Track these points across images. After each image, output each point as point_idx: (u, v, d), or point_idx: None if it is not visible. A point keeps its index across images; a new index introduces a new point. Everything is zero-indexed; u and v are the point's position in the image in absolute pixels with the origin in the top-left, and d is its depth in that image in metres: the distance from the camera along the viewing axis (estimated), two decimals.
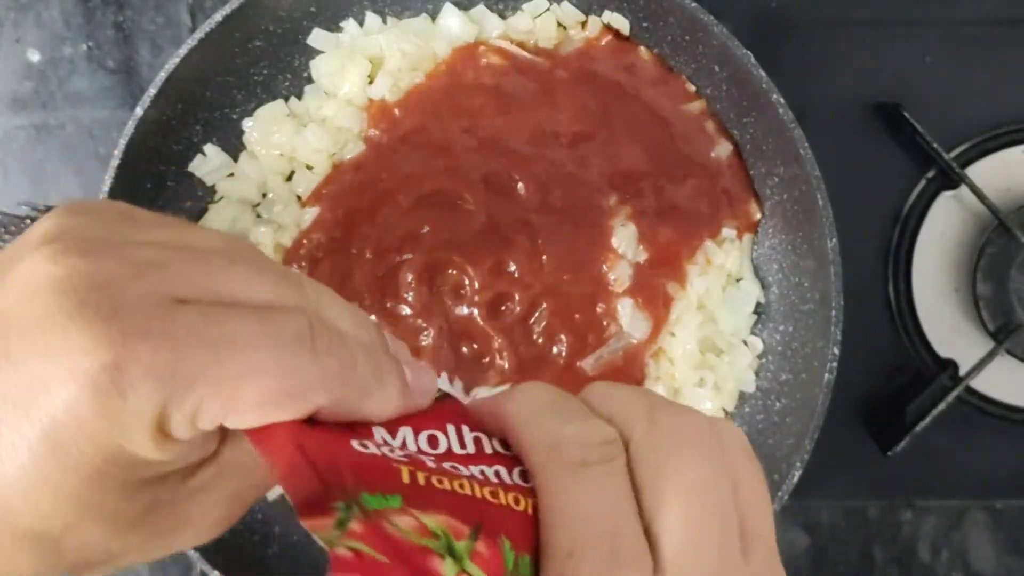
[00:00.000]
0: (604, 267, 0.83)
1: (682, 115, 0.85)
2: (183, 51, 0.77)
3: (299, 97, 0.88)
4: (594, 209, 0.84)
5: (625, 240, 0.83)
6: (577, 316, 0.83)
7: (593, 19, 0.86)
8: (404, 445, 0.37)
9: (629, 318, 0.83)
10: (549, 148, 0.84)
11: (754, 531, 0.36)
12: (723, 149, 0.85)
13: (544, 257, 0.83)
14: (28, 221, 0.92)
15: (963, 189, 0.88)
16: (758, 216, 0.85)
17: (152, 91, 0.77)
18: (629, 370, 0.84)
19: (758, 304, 0.86)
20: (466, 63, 0.85)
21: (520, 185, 0.84)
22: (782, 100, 0.76)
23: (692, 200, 0.84)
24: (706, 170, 0.85)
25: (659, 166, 0.84)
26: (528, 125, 0.84)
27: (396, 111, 0.85)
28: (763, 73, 0.76)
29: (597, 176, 0.84)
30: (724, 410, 0.86)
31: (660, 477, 0.34)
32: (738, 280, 0.86)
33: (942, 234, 0.91)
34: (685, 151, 0.85)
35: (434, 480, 0.34)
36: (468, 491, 0.34)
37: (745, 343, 0.86)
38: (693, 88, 0.85)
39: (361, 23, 0.87)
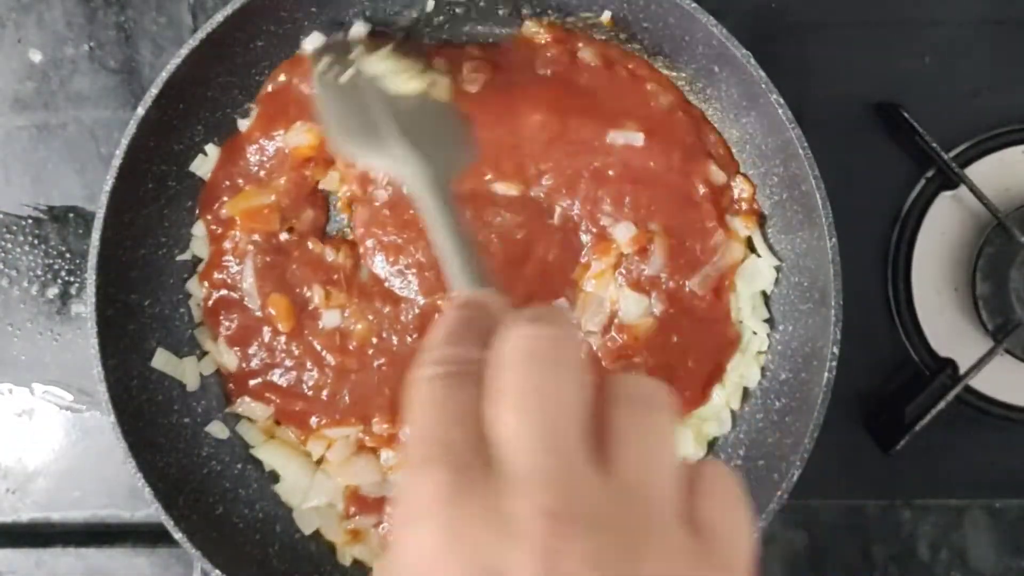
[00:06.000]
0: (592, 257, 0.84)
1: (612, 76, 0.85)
2: (184, 51, 0.77)
3: None
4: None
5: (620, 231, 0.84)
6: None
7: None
8: None
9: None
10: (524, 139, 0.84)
11: (618, 439, 0.37)
12: (664, 99, 0.84)
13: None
14: (30, 220, 0.92)
15: (962, 189, 0.88)
16: (723, 177, 0.84)
17: (153, 91, 0.78)
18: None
19: None
20: None
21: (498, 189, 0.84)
22: (781, 100, 0.76)
23: (652, 152, 0.83)
24: (653, 119, 0.84)
25: (600, 119, 0.83)
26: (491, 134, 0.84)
27: None
28: (762, 73, 0.76)
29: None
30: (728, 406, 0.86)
31: (498, 389, 0.37)
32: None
33: (941, 234, 0.91)
34: (622, 104, 0.84)
35: None
36: None
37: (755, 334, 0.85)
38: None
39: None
